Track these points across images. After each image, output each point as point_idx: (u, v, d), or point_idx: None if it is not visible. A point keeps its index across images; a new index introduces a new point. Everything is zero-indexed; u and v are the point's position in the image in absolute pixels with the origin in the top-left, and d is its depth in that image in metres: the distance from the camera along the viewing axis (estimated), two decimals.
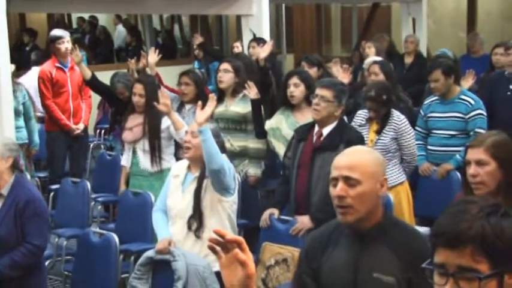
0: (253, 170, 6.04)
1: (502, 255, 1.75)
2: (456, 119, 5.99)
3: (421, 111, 6.29)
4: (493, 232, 1.74)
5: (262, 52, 6.51)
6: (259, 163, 6.10)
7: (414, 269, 2.67)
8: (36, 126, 7.68)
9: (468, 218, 1.76)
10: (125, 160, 6.14)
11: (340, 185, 2.76)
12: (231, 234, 1.94)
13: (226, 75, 6.14)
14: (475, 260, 1.74)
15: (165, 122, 5.84)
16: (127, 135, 6.02)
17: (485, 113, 5.97)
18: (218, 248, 1.92)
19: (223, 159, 4.51)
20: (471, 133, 5.87)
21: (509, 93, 6.43)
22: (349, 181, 2.76)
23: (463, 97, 6.04)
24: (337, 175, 2.79)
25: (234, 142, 6.08)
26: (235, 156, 6.00)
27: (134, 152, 5.99)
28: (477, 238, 1.74)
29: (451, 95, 6.06)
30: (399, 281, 2.73)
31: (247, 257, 1.92)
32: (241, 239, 1.93)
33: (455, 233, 1.76)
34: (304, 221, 4.72)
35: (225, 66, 6.20)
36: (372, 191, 2.79)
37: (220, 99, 6.21)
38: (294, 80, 5.69)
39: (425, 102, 6.28)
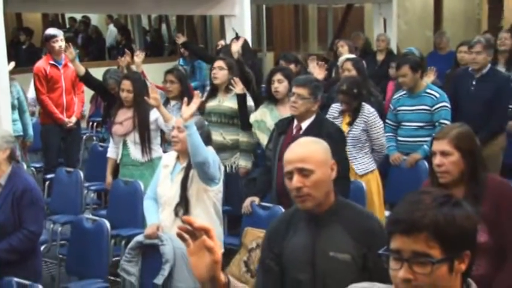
0: (244, 162, 6.04)
1: (453, 241, 1.78)
2: (423, 111, 6.04)
3: (390, 105, 6.33)
4: (445, 220, 1.77)
5: (234, 46, 6.58)
6: (249, 156, 6.10)
7: (367, 245, 2.73)
8: (30, 120, 7.66)
9: (422, 207, 1.78)
10: (112, 152, 6.10)
11: (296, 177, 2.76)
12: (199, 223, 1.91)
13: (220, 72, 6.13)
14: (429, 245, 1.76)
15: (153, 115, 5.83)
16: (118, 129, 5.97)
17: (449, 105, 6.03)
18: (187, 236, 1.90)
19: (208, 152, 4.49)
20: (436, 124, 5.95)
21: (472, 88, 6.45)
22: (303, 172, 2.76)
23: (428, 91, 6.10)
24: (291, 169, 2.79)
25: (226, 136, 6.08)
26: (227, 149, 6.03)
27: (125, 144, 5.96)
28: (431, 226, 1.76)
29: (417, 89, 6.11)
30: (354, 258, 2.75)
31: (214, 243, 1.90)
32: (208, 226, 1.91)
33: (410, 221, 1.77)
34: None
35: (220, 63, 6.18)
36: (325, 177, 2.80)
37: (213, 95, 6.25)
38: (278, 76, 5.74)
39: (394, 97, 6.32)
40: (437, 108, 6.00)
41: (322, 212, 2.82)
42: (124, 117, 5.93)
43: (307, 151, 2.82)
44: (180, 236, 1.91)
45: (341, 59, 7.34)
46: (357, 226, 2.80)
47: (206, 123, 5.55)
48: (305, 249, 2.82)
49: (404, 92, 6.23)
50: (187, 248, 1.92)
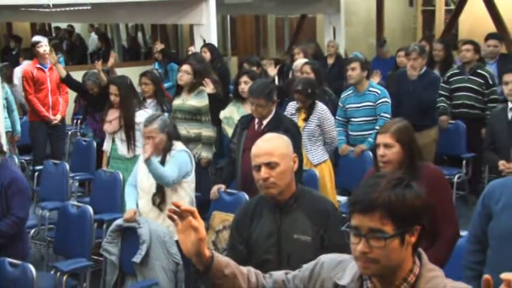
0: (206, 154, 6.01)
1: (404, 218, 1.80)
2: (368, 107, 6.10)
3: (339, 103, 6.36)
4: (397, 200, 1.79)
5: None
6: (210, 148, 6.08)
7: (324, 227, 2.74)
8: (18, 117, 7.61)
9: (378, 189, 1.81)
10: (106, 146, 6.06)
11: (263, 169, 2.77)
12: (186, 205, 1.97)
13: (185, 75, 6.10)
14: (383, 222, 1.78)
15: (138, 118, 5.75)
16: (107, 127, 5.93)
17: (389, 101, 6.10)
18: (175, 217, 1.95)
19: (172, 171, 4.48)
20: (378, 117, 6.00)
21: (410, 87, 6.53)
22: (269, 165, 2.77)
23: (371, 89, 6.16)
24: (259, 163, 2.80)
25: (190, 129, 6.05)
26: (191, 141, 6.00)
27: (113, 141, 5.92)
28: (384, 205, 1.78)
29: (362, 88, 6.16)
30: (313, 239, 2.76)
31: (199, 223, 1.95)
32: (193, 208, 1.97)
33: (367, 201, 1.80)
34: None
35: (186, 68, 6.16)
36: (288, 168, 2.81)
37: (178, 94, 6.23)
38: (245, 78, 5.77)
39: (342, 96, 6.36)
40: (379, 103, 6.06)
41: (285, 200, 2.82)
42: (112, 116, 5.88)
43: (273, 146, 2.83)
44: (170, 217, 1.96)
45: (297, 63, 7.39)
46: (315, 210, 2.81)
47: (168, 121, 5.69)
48: (271, 233, 2.82)
49: (351, 91, 6.27)
50: (176, 228, 1.97)
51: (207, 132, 6.02)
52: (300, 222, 2.78)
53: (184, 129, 6.02)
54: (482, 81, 6.75)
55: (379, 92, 6.11)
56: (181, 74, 6.14)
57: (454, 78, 6.86)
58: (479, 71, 6.83)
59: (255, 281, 2.08)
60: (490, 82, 6.77)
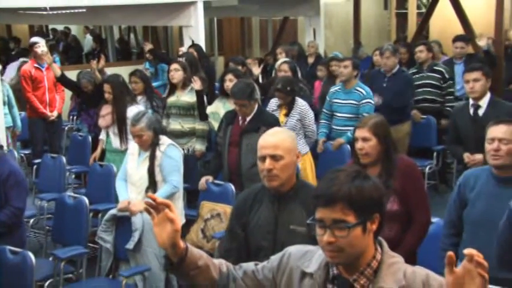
0: (199, 146, 6.00)
1: (364, 208, 1.81)
2: (352, 105, 6.09)
3: (327, 96, 6.37)
4: (356, 191, 1.80)
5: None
6: (204, 141, 6.05)
7: None
8: (18, 113, 7.54)
9: (338, 182, 1.81)
10: (103, 136, 6.05)
11: (268, 161, 2.73)
12: (160, 198, 1.93)
13: (176, 73, 6.08)
14: (344, 213, 1.79)
15: (130, 113, 5.73)
16: (101, 122, 5.92)
17: (372, 101, 6.08)
18: (152, 210, 1.91)
19: (177, 181, 4.56)
20: (361, 116, 5.98)
21: (384, 85, 6.56)
22: (274, 158, 2.73)
23: (358, 88, 6.14)
24: (264, 154, 2.76)
25: (184, 124, 6.03)
26: (185, 135, 6.01)
27: (108, 134, 5.91)
28: (345, 197, 1.78)
29: (351, 85, 6.15)
30: (309, 230, 2.73)
31: (174, 215, 1.91)
32: (169, 202, 1.93)
33: (328, 195, 1.80)
34: None
35: (175, 66, 6.14)
36: (292, 162, 2.78)
37: (172, 92, 6.20)
38: (230, 76, 5.78)
39: (331, 90, 6.35)
40: (363, 103, 6.04)
41: (285, 191, 2.79)
42: (106, 112, 5.87)
43: (279, 139, 2.79)
44: (146, 210, 1.92)
45: (278, 62, 7.39)
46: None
47: (159, 117, 5.87)
48: (269, 221, 2.79)
49: (339, 86, 6.27)
50: (152, 220, 1.92)
51: (201, 126, 6.00)
52: (297, 214, 2.75)
53: (178, 124, 6.02)
54: (439, 77, 6.93)
55: (364, 92, 6.09)
56: (172, 72, 6.11)
57: (414, 76, 6.94)
58: (435, 67, 7.03)
59: (225, 272, 2.05)
60: (447, 76, 6.97)
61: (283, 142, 2.78)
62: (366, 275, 1.84)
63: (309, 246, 2.01)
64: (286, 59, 7.33)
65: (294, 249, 2.05)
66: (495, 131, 3.23)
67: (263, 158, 2.76)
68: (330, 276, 1.90)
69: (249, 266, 2.09)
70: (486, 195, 3.20)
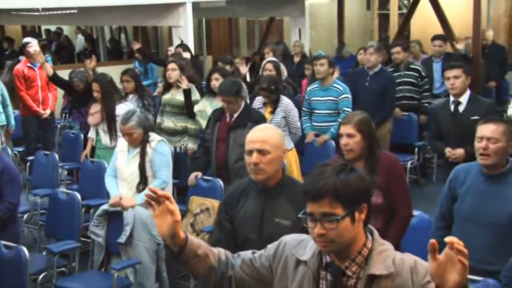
0: (192, 145, 5.97)
1: (351, 199, 1.82)
2: (330, 101, 6.11)
3: (305, 95, 6.38)
4: (342, 184, 1.81)
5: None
6: (196, 139, 6.02)
7: None
8: (12, 112, 7.49)
9: (324, 177, 1.82)
10: (91, 134, 6.04)
11: (255, 155, 2.74)
12: (161, 191, 1.95)
13: (173, 72, 6.03)
14: (332, 207, 1.81)
15: (118, 110, 5.71)
16: (91, 120, 5.90)
17: (350, 96, 6.12)
18: (153, 202, 1.94)
19: (166, 176, 4.54)
20: (340, 111, 6.02)
21: (367, 83, 6.56)
22: (261, 152, 2.74)
23: (335, 85, 6.17)
24: (252, 148, 2.76)
25: (177, 123, 6.01)
26: (177, 133, 5.99)
27: (97, 132, 5.89)
28: (331, 191, 1.80)
29: (327, 83, 6.16)
30: (294, 223, 2.73)
31: (174, 207, 1.94)
32: (169, 194, 1.96)
33: (315, 191, 1.82)
34: None
35: (172, 65, 6.09)
36: (278, 157, 2.78)
37: (167, 90, 6.17)
38: (216, 75, 5.79)
39: (308, 89, 6.36)
40: (341, 98, 6.07)
41: (271, 186, 2.80)
42: (95, 110, 5.85)
43: (267, 135, 2.80)
44: (147, 202, 1.94)
45: (264, 61, 7.38)
46: (298, 198, 2.78)
47: (149, 115, 5.88)
48: (255, 214, 2.79)
49: (316, 85, 6.27)
50: (153, 212, 1.95)
51: (194, 125, 5.98)
52: (282, 208, 2.75)
53: (171, 122, 6.01)
54: (417, 75, 7.01)
55: (341, 88, 6.12)
56: (169, 72, 6.07)
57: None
58: (412, 66, 7.12)
59: (224, 260, 2.08)
60: (423, 74, 7.05)
61: (271, 138, 2.79)
62: (357, 262, 1.87)
63: (304, 235, 2.02)
64: (271, 58, 7.33)
65: (289, 238, 2.07)
66: (484, 130, 3.24)
67: (250, 152, 2.76)
68: (323, 263, 1.93)
69: (247, 254, 2.12)
70: (475, 191, 3.22)
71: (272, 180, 2.79)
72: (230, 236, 2.82)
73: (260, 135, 2.79)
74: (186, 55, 7.32)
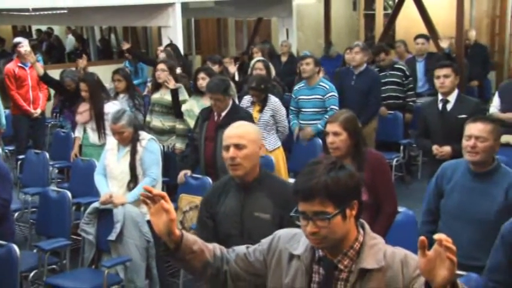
0: (180, 144, 5.95)
1: (342, 197, 1.83)
2: (317, 99, 6.11)
3: (292, 94, 6.38)
4: (332, 183, 1.81)
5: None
6: (184, 139, 6.00)
7: (283, 208, 2.73)
8: (3, 111, 7.44)
9: (315, 176, 1.82)
10: (78, 133, 6.00)
11: (232, 150, 2.76)
12: (156, 190, 1.96)
13: (163, 73, 6.01)
14: (324, 205, 1.81)
15: (107, 108, 5.70)
16: (79, 118, 5.87)
17: (336, 94, 6.11)
18: (148, 201, 1.95)
19: (156, 174, 4.54)
20: (328, 109, 6.03)
21: (353, 82, 6.57)
22: (238, 146, 2.76)
23: (321, 83, 6.16)
24: (229, 143, 2.79)
25: (165, 122, 6.00)
26: (165, 132, 5.97)
27: (85, 130, 5.86)
28: (322, 190, 1.80)
29: (314, 82, 6.16)
30: (273, 217, 2.75)
31: (170, 206, 1.95)
32: (164, 193, 1.97)
33: (306, 190, 1.82)
34: None
35: (162, 66, 6.07)
36: (254, 153, 2.80)
37: (157, 89, 6.16)
38: (202, 75, 5.75)
39: (295, 88, 6.36)
40: (328, 96, 6.07)
41: (250, 181, 2.81)
42: (83, 109, 5.83)
43: (243, 130, 2.83)
44: (143, 201, 1.95)
45: (253, 61, 7.38)
46: (276, 192, 2.80)
47: (139, 115, 5.89)
48: (235, 210, 2.81)
49: (303, 84, 6.28)
50: (149, 211, 1.96)
51: (182, 125, 5.95)
52: (261, 202, 2.77)
53: (159, 121, 6.00)
54: (401, 74, 7.09)
55: (327, 86, 6.13)
56: (158, 72, 6.05)
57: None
58: (397, 65, 7.19)
59: (219, 255, 2.09)
60: (407, 74, 7.13)
61: (248, 133, 2.81)
62: (349, 256, 1.89)
63: (297, 229, 2.03)
64: (261, 58, 7.32)
65: (283, 232, 2.09)
66: (472, 129, 3.25)
67: (227, 148, 2.79)
68: (316, 257, 1.95)
69: (241, 248, 2.13)
70: (462, 188, 3.24)
71: (250, 175, 2.80)
72: (212, 234, 2.82)
73: (237, 130, 2.82)
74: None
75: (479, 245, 3.10)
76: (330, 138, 3.36)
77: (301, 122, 6.26)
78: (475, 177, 3.22)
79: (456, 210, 3.23)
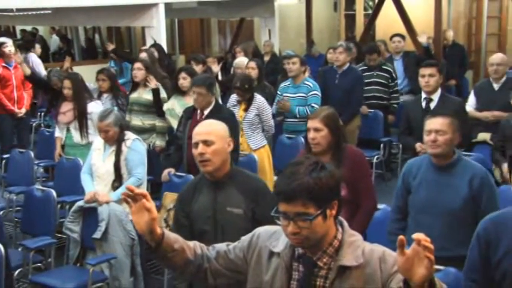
0: (160, 142, 5.93)
1: (323, 198, 1.83)
2: (301, 97, 6.14)
3: (278, 91, 6.39)
4: (314, 183, 1.81)
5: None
6: (164, 137, 5.99)
7: (255, 201, 2.76)
8: None
9: (297, 177, 1.82)
10: (59, 133, 5.93)
11: (200, 146, 2.80)
12: (138, 189, 1.95)
13: (139, 72, 5.99)
14: (305, 207, 1.81)
15: (90, 108, 5.65)
16: (62, 118, 5.79)
17: (319, 93, 6.12)
18: (129, 200, 1.94)
19: (141, 173, 4.53)
20: (309, 107, 6.03)
21: (336, 81, 6.60)
22: (206, 143, 2.80)
23: (306, 82, 6.19)
24: (198, 140, 2.83)
25: (145, 121, 5.97)
26: (145, 131, 5.93)
27: (68, 130, 5.78)
28: (304, 192, 1.80)
29: (299, 80, 6.18)
30: (245, 211, 2.78)
31: (151, 204, 1.94)
32: (145, 192, 1.95)
33: (288, 192, 1.82)
34: None
35: (138, 65, 6.05)
36: (223, 148, 2.83)
37: (134, 89, 6.13)
38: (183, 74, 5.76)
39: (282, 85, 6.38)
40: (310, 94, 6.10)
41: (221, 177, 2.84)
42: (66, 108, 5.75)
43: (211, 127, 2.87)
44: (125, 200, 1.94)
45: (238, 60, 7.40)
46: (247, 187, 2.83)
47: (124, 114, 5.79)
48: (208, 206, 2.83)
49: (288, 82, 6.29)
50: (130, 209, 1.94)
51: (161, 123, 5.94)
52: (233, 197, 2.80)
53: (139, 120, 5.96)
54: (388, 76, 7.11)
55: (311, 85, 6.16)
56: (135, 71, 6.04)
57: (365, 74, 7.03)
58: (384, 67, 7.19)
59: (200, 253, 2.09)
60: (394, 76, 7.17)
61: (216, 130, 2.86)
62: (328, 253, 1.89)
63: (276, 226, 2.03)
64: (246, 58, 7.33)
65: (262, 230, 2.08)
66: (432, 124, 3.30)
67: (196, 144, 2.82)
68: (295, 255, 1.95)
69: (222, 246, 2.13)
70: (427, 182, 3.27)
71: (220, 171, 2.83)
72: (188, 231, 2.83)
73: (205, 128, 2.87)
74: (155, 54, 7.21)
75: (448, 236, 3.14)
76: (311, 134, 3.37)
77: (285, 120, 6.27)
78: (439, 170, 3.25)
79: (424, 204, 3.26)
